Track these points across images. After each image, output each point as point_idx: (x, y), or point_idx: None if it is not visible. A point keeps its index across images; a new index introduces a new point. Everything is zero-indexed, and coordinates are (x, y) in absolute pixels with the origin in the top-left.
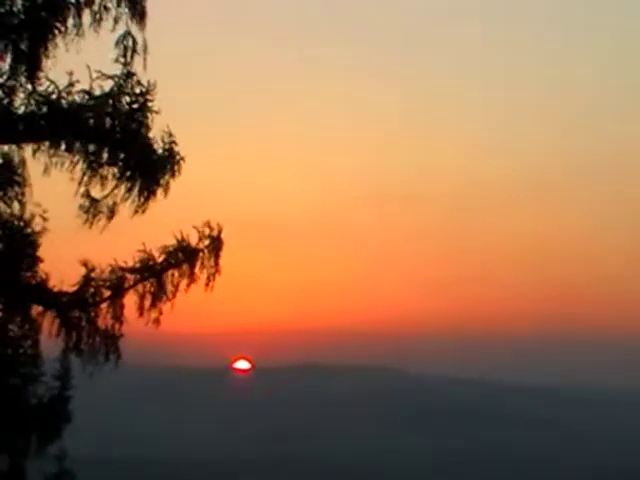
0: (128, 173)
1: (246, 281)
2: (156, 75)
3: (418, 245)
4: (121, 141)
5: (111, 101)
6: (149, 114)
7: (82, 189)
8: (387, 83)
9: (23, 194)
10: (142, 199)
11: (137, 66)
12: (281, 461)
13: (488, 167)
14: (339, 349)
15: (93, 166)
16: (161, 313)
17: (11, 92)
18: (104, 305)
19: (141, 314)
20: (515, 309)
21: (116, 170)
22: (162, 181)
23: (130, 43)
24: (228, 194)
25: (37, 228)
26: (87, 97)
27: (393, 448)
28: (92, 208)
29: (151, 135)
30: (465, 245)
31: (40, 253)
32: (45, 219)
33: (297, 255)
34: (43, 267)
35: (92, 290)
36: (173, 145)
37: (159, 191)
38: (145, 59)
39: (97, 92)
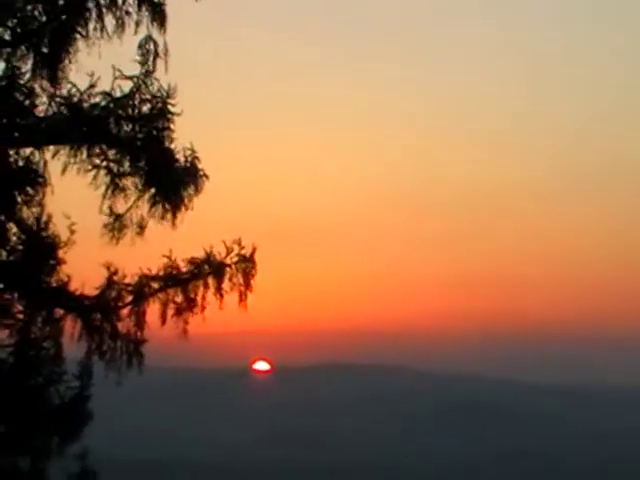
0: (151, 184)
1: (266, 281)
2: (177, 78)
3: (444, 246)
4: (142, 147)
5: (131, 103)
6: (170, 120)
7: (106, 204)
8: (415, 86)
9: (43, 196)
10: (168, 213)
11: (158, 70)
12: (300, 463)
13: (514, 169)
14: (360, 349)
15: (115, 180)
16: (187, 323)
17: (32, 94)
18: (126, 310)
19: (164, 323)
20: (542, 308)
21: (137, 180)
22: (185, 194)
23: (152, 47)
24: (252, 194)
25: (63, 236)
26: (108, 99)
27: (416, 449)
28: (117, 223)
29: (173, 146)
30: (492, 246)
31: (64, 256)
32: (73, 232)
33: (317, 256)
34: (66, 270)
35: (114, 294)
36: (196, 161)
37: (184, 206)
38: (166, 62)
39: (117, 94)
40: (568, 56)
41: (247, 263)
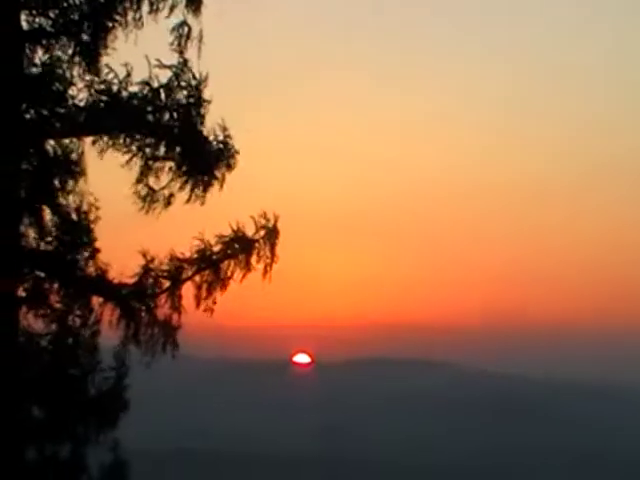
0: (184, 167)
1: (309, 274)
2: (211, 63)
3: (486, 242)
4: (178, 135)
5: (169, 93)
6: (204, 106)
7: (140, 184)
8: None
9: (81, 185)
10: (198, 193)
11: (192, 56)
12: (340, 457)
13: (560, 164)
14: (403, 344)
15: (149, 163)
16: (215, 302)
17: (71, 84)
18: (163, 296)
19: (198, 304)
20: (580, 307)
21: (172, 164)
22: (218, 174)
23: (185, 32)
24: (294, 185)
25: (94, 219)
26: (147, 88)
27: (454, 446)
28: (149, 196)
29: (206, 128)
30: (535, 243)
31: (99, 244)
32: (97, 208)
33: (362, 249)
34: (102, 258)
35: (151, 281)
36: (228, 139)
37: (215, 184)
38: (200, 48)
39: (155, 83)
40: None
41: (272, 234)
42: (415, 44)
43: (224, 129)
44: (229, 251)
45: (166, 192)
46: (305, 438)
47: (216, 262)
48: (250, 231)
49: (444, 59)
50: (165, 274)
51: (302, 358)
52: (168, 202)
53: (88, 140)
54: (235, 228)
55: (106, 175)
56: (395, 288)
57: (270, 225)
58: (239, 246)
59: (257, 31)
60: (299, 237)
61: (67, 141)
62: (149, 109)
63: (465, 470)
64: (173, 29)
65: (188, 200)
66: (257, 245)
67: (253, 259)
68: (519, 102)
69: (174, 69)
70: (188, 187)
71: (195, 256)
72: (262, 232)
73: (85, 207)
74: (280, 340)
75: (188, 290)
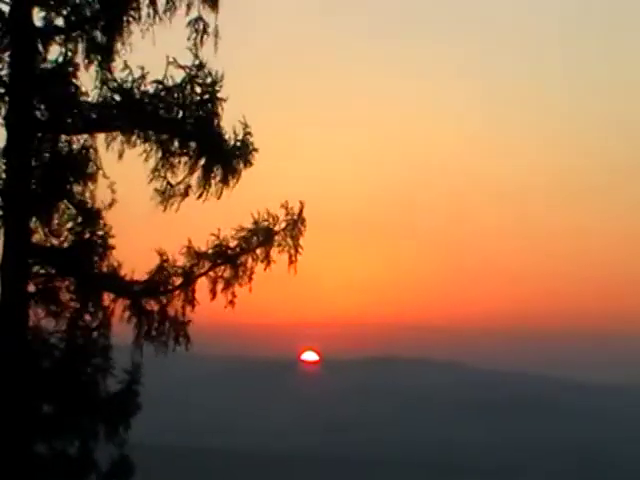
0: (200, 162)
1: (317, 272)
2: (236, 60)
3: (498, 242)
4: (192, 131)
5: (182, 92)
6: (219, 104)
7: (156, 174)
8: (467, 80)
9: (96, 183)
10: (215, 187)
11: (208, 51)
12: (346, 454)
13: (565, 165)
14: (409, 343)
15: (166, 155)
16: (235, 296)
17: (84, 82)
18: (176, 292)
19: (213, 298)
20: (592, 305)
21: (187, 159)
22: (235, 169)
23: (201, 27)
24: (307, 184)
25: (109, 217)
26: (160, 87)
27: (458, 443)
28: (167, 191)
29: (223, 124)
30: (544, 242)
31: (113, 241)
32: (114, 191)
33: (370, 249)
34: (116, 255)
35: (164, 278)
36: (248, 136)
37: (232, 179)
38: (216, 44)
39: (169, 82)
40: None
41: (296, 224)
42: (437, 37)
43: (245, 125)
44: (246, 246)
45: (182, 186)
46: (313, 435)
47: (232, 257)
48: (271, 222)
49: (468, 59)
50: (179, 270)
51: (310, 356)
52: (185, 193)
53: (101, 137)
54: (256, 217)
55: (122, 172)
56: (403, 288)
57: (295, 215)
58: (257, 239)
59: (282, 27)
60: (307, 236)
61: (81, 138)
62: (161, 106)
63: (474, 469)
64: (189, 24)
65: (201, 195)
66: (277, 237)
67: (273, 251)
68: (549, 104)
69: (188, 70)
70: (206, 182)
71: (211, 251)
72: (283, 223)
73: (99, 204)
74: (288, 338)
75: (204, 284)
